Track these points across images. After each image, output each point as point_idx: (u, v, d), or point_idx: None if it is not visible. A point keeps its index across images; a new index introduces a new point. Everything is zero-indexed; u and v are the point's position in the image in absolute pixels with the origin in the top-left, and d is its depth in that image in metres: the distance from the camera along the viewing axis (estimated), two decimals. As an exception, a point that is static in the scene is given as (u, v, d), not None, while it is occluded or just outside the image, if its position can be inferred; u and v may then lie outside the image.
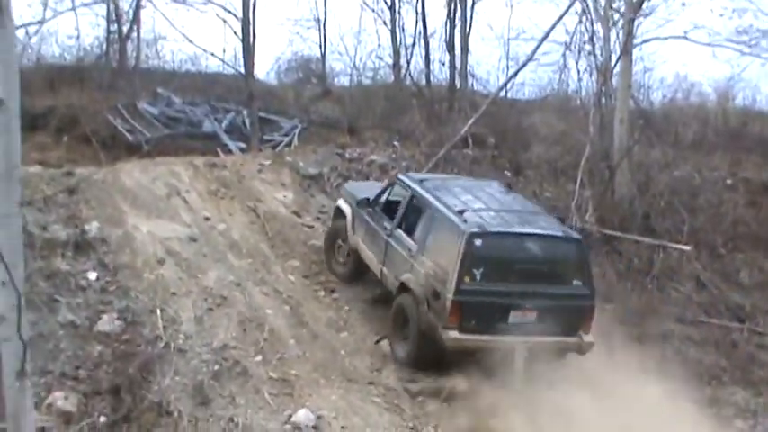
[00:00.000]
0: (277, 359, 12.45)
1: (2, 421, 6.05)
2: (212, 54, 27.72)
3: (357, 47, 29.02)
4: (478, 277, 11.96)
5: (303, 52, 29.87)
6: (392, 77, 28.23)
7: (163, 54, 29.08)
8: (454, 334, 11.91)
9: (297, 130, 23.96)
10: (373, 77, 28.91)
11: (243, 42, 24.63)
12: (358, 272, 14.64)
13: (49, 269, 13.24)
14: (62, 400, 11.04)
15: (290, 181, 17.87)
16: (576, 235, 13.11)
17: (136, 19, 28.06)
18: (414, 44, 27.82)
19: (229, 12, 25.29)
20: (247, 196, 16.78)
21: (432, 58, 27.66)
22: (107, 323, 12.52)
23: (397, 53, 27.76)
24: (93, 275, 13.45)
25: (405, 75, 27.88)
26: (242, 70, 25.07)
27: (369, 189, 15.16)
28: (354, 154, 19.55)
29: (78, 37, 27.75)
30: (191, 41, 27.45)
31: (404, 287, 12.80)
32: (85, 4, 26.24)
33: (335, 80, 29.85)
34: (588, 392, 11.53)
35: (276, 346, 12.73)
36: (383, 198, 14.34)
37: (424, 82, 27.46)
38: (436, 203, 12.94)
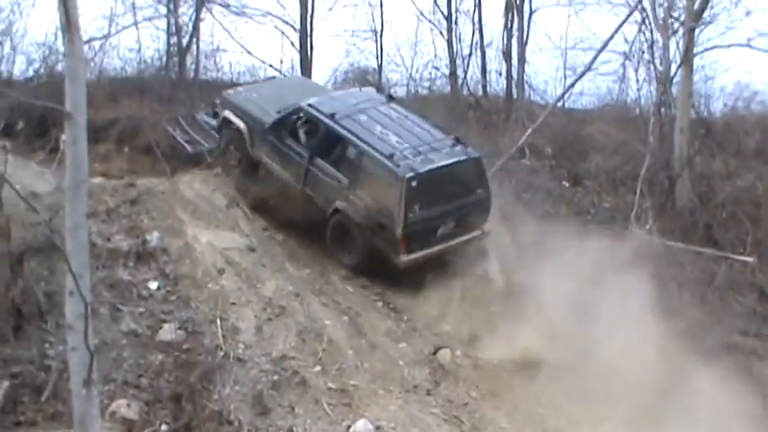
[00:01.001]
0: (336, 369, 12.49)
1: (70, 428, 6.15)
2: (270, 65, 27.82)
3: (414, 57, 28.88)
4: (417, 210, 14.45)
5: (360, 63, 29.89)
6: (449, 88, 28.16)
7: (221, 66, 29.25)
8: (405, 257, 14.51)
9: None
10: (430, 88, 28.82)
11: (300, 53, 24.77)
12: (251, 173, 16.58)
13: (112, 279, 13.43)
14: (125, 407, 11.20)
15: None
16: (474, 153, 15.46)
17: (195, 32, 28.37)
18: (470, 54, 27.71)
19: (287, 23, 25.48)
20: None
21: (489, 68, 27.52)
22: (168, 332, 12.66)
23: (453, 63, 27.67)
24: (154, 285, 13.61)
25: (461, 85, 27.77)
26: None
27: (249, 98, 17.18)
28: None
29: (139, 50, 28.09)
30: (249, 53, 27.57)
31: (339, 212, 14.99)
32: (147, 19, 26.58)
33: (393, 91, 29.85)
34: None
35: (335, 356, 12.76)
36: (290, 123, 15.98)
37: (480, 92, 27.34)
38: (363, 146, 14.96)
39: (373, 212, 14.65)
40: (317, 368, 12.41)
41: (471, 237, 15.21)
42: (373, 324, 13.80)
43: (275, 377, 12.03)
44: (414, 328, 13.93)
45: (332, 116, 15.46)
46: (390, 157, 14.50)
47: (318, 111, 15.72)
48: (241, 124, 16.56)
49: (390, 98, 17.10)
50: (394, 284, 14.79)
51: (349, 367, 12.60)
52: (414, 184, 14.23)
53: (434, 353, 13.30)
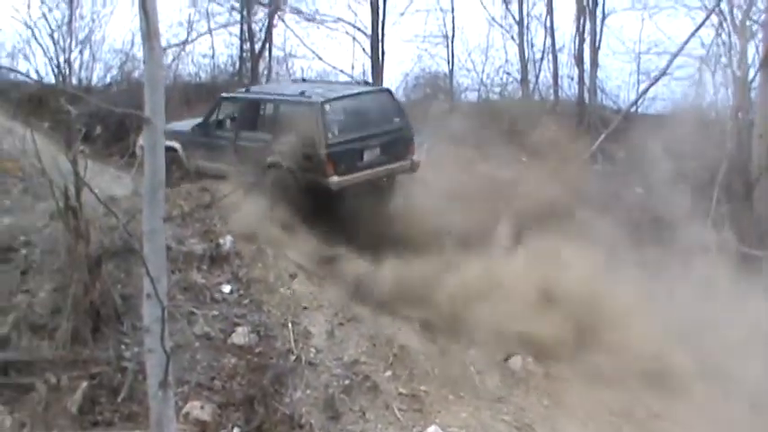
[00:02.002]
0: (406, 375, 12.49)
1: (146, 429, 6.23)
2: (341, 71, 28.02)
3: (485, 63, 28.88)
4: (336, 132, 15.44)
5: (431, 68, 29.91)
6: (520, 93, 28.06)
7: (293, 71, 29.56)
8: (335, 179, 15.11)
9: (425, 147, 23.97)
10: (501, 93, 28.76)
11: (372, 59, 24.86)
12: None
13: (186, 282, 13.59)
14: (198, 409, 11.34)
15: (419, 197, 17.84)
16: (384, 87, 17.58)
17: (268, 38, 28.68)
18: (542, 59, 27.64)
19: (359, 29, 25.62)
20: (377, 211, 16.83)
21: (560, 73, 27.42)
22: (241, 336, 12.78)
23: (525, 68, 27.60)
24: (227, 289, 13.74)
25: (533, 90, 27.69)
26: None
27: (184, 123, 17.83)
28: (484, 170, 19.41)
29: (213, 56, 28.57)
30: (320, 58, 27.84)
31: (272, 166, 15.48)
32: (222, 26, 26.99)
33: (463, 96, 29.79)
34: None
35: (405, 361, 12.76)
36: (213, 119, 17.17)
37: (552, 97, 27.20)
38: (276, 97, 16.80)
39: (299, 150, 15.35)
40: (388, 373, 12.42)
41: (400, 166, 16.24)
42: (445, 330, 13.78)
43: (346, 381, 12.08)
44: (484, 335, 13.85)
45: (246, 91, 17.70)
46: (302, 94, 15.99)
47: (234, 93, 17.91)
48: (175, 144, 17.03)
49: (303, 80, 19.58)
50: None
51: (420, 373, 12.59)
52: (327, 107, 15.50)
53: (506, 360, 13.23)
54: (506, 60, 28.36)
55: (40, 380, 11.45)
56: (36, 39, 24.87)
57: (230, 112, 17.23)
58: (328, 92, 16.28)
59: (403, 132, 16.39)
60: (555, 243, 14.58)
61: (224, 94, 17.97)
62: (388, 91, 17.32)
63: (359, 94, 16.67)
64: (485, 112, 26.40)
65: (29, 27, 24.13)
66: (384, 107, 16.50)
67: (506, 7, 28.25)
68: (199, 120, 17.54)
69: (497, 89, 28.69)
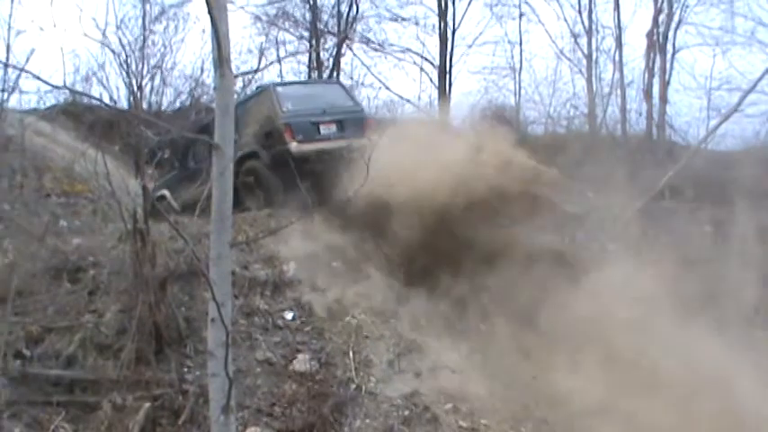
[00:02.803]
0: (467, 408, 12.37)
1: (207, 454, 6.25)
2: (408, 100, 28.18)
3: (552, 96, 28.85)
4: (290, 106, 17.18)
5: (498, 100, 29.92)
6: (587, 127, 27.91)
7: (360, 100, 29.78)
8: (294, 144, 16.62)
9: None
10: (568, 127, 28.64)
11: (438, 90, 24.92)
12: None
13: (249, 307, 13.68)
14: (258, 435, 11.38)
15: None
16: (335, 80, 19.54)
17: (336, 67, 28.95)
18: (610, 93, 27.52)
19: (426, 59, 25.71)
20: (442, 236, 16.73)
21: (629, 107, 27.25)
22: (302, 363, 12.80)
23: (592, 102, 27.48)
24: (289, 315, 13.80)
25: (600, 124, 27.52)
26: (437, 116, 25.30)
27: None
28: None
29: (282, 84, 28.91)
30: (387, 88, 28.04)
31: (243, 160, 16.69)
32: (292, 54, 27.32)
33: (529, 129, 29.73)
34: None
35: (466, 394, 12.65)
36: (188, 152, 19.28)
37: (620, 132, 26.99)
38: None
39: (261, 132, 17.18)
40: (449, 405, 12.32)
41: (356, 142, 16.39)
42: (506, 364, 13.65)
43: (406, 412, 12.00)
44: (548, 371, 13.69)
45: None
46: (258, 87, 18.46)
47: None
48: (165, 192, 19.18)
49: None
50: (527, 326, 14.51)
51: (481, 406, 12.46)
52: (279, 89, 17.63)
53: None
54: (574, 94, 28.33)
55: (104, 399, 11.58)
56: (110, 63, 25.43)
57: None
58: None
59: (357, 114, 18.14)
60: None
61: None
62: (340, 83, 20.15)
63: (310, 82, 19.61)
64: (551, 146, 26.27)
65: (104, 52, 24.64)
66: (336, 94, 18.61)
67: (575, 41, 28.24)
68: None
69: (564, 123, 28.59)
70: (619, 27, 27.69)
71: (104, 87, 26.14)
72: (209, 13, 6.01)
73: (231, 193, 6.30)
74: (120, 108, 15.50)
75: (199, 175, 17.06)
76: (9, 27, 10.13)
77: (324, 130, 17.38)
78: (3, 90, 11.52)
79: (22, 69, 9.77)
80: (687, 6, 27.42)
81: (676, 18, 27.12)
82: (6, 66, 10.54)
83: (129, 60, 21.46)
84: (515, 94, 29.55)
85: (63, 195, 20.30)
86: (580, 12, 28.19)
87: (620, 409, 11.98)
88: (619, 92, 27.27)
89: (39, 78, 6.02)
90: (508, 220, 15.39)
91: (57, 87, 21.03)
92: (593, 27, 28.02)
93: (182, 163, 19.60)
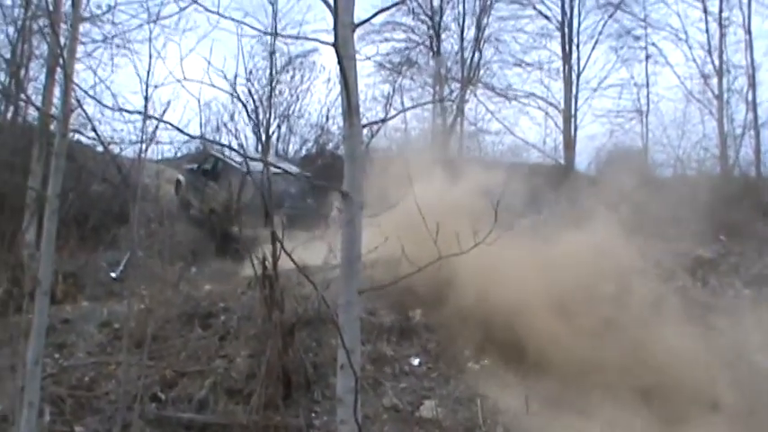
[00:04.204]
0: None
1: (336, 501, 6.25)
2: (533, 145, 28.05)
3: (681, 138, 28.22)
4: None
5: (624, 144, 29.45)
6: (718, 169, 27.20)
7: (483, 145, 29.82)
8: None
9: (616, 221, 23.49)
10: (698, 169, 27.95)
11: (564, 133, 24.71)
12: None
13: (376, 353, 13.73)
14: (385, 482, 11.36)
15: (612, 273, 17.40)
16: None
17: (460, 112, 29.06)
18: (743, 134, 26.76)
19: (551, 104, 25.54)
20: (569, 286, 16.48)
21: (763, 148, 26.43)
22: (429, 409, 12.75)
23: (724, 144, 26.77)
24: (416, 361, 13.79)
25: (733, 166, 26.78)
26: (562, 161, 25.10)
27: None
28: (681, 247, 18.80)
29: (405, 129, 29.21)
30: (512, 133, 27.96)
31: None
32: (420, 104, 27.60)
33: (658, 172, 29.14)
34: None
35: None
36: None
37: (753, 173, 26.21)
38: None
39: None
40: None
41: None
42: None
43: (534, 460, 11.82)
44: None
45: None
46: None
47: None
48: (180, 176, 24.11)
49: None
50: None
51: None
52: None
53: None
54: (704, 135, 27.63)
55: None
56: (239, 113, 26.16)
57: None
58: None
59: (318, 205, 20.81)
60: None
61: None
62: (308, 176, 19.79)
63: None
64: (681, 188, 25.65)
65: (234, 103, 25.35)
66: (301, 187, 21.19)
67: (705, 82, 27.59)
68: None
69: (694, 165, 27.91)
70: (752, 66, 27.04)
71: (234, 136, 26.77)
72: (339, 63, 6.11)
73: (360, 241, 6.35)
74: (250, 156, 15.88)
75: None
76: (147, 81, 10.49)
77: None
78: (141, 141, 11.90)
79: (160, 120, 10.07)
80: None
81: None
82: (146, 116, 10.90)
83: (257, 110, 21.99)
84: (642, 137, 29.07)
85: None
86: (710, 52, 27.64)
87: None
88: (752, 132, 26.59)
89: (177, 129, 6.22)
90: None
91: (192, 137, 21.82)
92: (724, 67, 27.39)
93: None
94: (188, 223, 22.74)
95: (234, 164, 21.12)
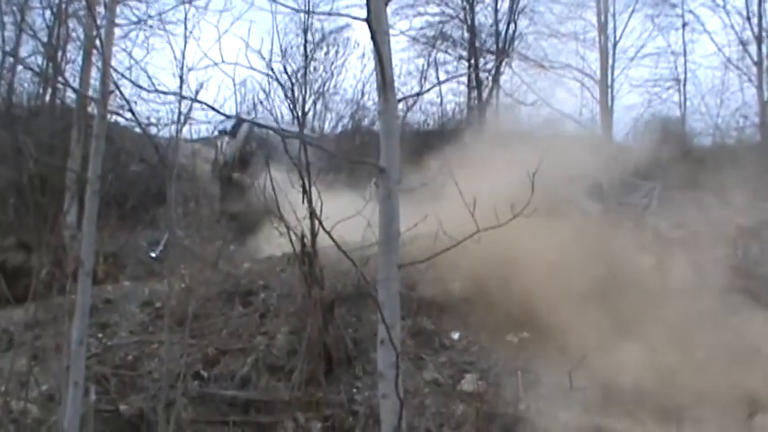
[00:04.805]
0: (642, 429, 12.02)
1: (379, 475, 6.28)
2: (569, 116, 27.82)
3: (720, 106, 27.88)
4: None
5: (662, 113, 29.15)
6: (758, 137, 26.86)
7: (519, 117, 29.63)
8: None
9: (656, 192, 23.33)
10: (737, 137, 27.62)
11: (600, 104, 24.51)
12: None
13: (416, 328, 13.75)
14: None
15: (650, 243, 17.30)
16: None
17: (495, 85, 28.91)
18: (784, 101, 26.40)
19: (587, 75, 25.32)
20: (607, 259, 16.40)
21: (804, 114, 26.07)
22: (469, 383, 12.77)
23: (763, 112, 26.42)
24: (456, 335, 13.80)
25: (773, 133, 26.48)
26: (600, 132, 24.91)
27: None
28: (721, 216, 18.60)
29: (441, 103, 29.14)
30: (548, 104, 27.73)
31: None
32: (454, 77, 27.51)
33: (696, 141, 28.84)
34: None
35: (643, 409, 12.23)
36: None
37: (794, 141, 25.89)
38: None
39: None
40: (621, 425, 12.00)
41: None
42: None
43: (576, 433, 11.79)
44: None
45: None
46: None
47: None
48: None
49: None
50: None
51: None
52: None
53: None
54: (743, 103, 27.30)
55: (278, 419, 11.87)
56: (274, 91, 26.20)
57: None
58: None
59: None
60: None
61: None
62: None
63: None
64: (720, 157, 25.38)
65: (269, 81, 25.42)
66: None
67: (744, 49, 27.23)
68: None
69: (733, 133, 27.58)
70: (792, 31, 26.65)
71: (270, 114, 26.88)
72: (372, 38, 6.09)
73: (398, 216, 6.34)
74: (286, 131, 15.87)
75: None
76: (183, 62, 10.55)
77: None
78: (176, 121, 11.99)
79: (194, 100, 10.16)
80: None
81: None
82: (182, 97, 10.97)
83: (293, 87, 22.04)
84: (680, 106, 28.77)
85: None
86: (749, 18, 27.24)
87: None
88: (793, 98, 26.25)
89: (212, 108, 6.25)
90: None
91: (227, 116, 21.89)
92: (763, 33, 26.99)
93: None
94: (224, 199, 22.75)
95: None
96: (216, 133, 24.03)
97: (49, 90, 24.14)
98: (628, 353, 12.96)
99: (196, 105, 13.62)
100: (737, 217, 18.41)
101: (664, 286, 14.33)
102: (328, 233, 6.66)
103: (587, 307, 14.03)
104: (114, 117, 17.43)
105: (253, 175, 18.52)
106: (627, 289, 14.79)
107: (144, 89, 13.31)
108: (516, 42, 29.39)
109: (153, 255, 20.11)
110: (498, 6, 29.89)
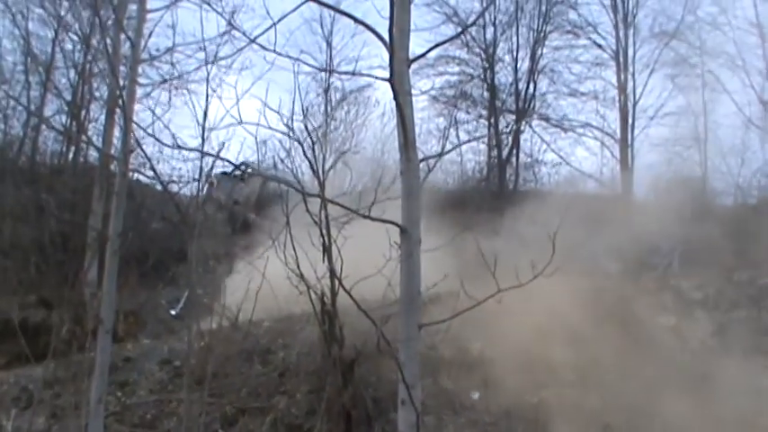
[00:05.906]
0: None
1: None
2: (590, 176, 27.83)
3: (740, 166, 27.79)
4: None
5: (683, 172, 29.08)
6: (780, 197, 26.74)
7: (540, 176, 29.66)
8: None
9: (677, 252, 23.20)
10: (759, 197, 27.48)
11: (620, 163, 24.50)
12: None
13: (436, 387, 13.63)
14: None
15: (672, 305, 17.18)
16: None
17: (515, 144, 28.96)
18: (807, 159, 26.33)
19: (607, 134, 25.33)
20: (628, 320, 16.30)
21: (827, 174, 25.97)
22: (490, 444, 12.65)
23: (785, 170, 26.35)
24: (476, 395, 13.67)
25: (795, 193, 26.34)
26: (619, 191, 24.88)
27: None
28: (743, 277, 18.48)
29: (461, 162, 29.20)
30: (568, 163, 27.78)
31: None
32: (476, 139, 27.63)
33: (717, 200, 28.72)
34: None
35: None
36: None
37: (817, 200, 25.74)
38: None
39: None
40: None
41: None
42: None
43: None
44: None
45: None
46: None
47: None
48: None
49: None
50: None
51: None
52: None
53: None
54: (764, 162, 27.19)
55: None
56: (295, 150, 26.38)
57: None
58: None
59: None
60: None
61: None
62: None
63: None
64: (742, 217, 25.26)
65: (290, 139, 25.57)
66: None
67: (764, 108, 27.19)
68: None
69: (755, 192, 27.46)
70: (815, 91, 26.62)
71: (291, 172, 27.01)
72: (395, 99, 6.14)
73: (419, 275, 6.34)
74: (308, 192, 15.88)
75: None
76: (204, 120, 10.68)
77: None
78: (199, 179, 12.09)
79: (216, 156, 10.25)
80: None
81: None
82: (203, 153, 11.08)
83: (314, 146, 22.14)
84: (701, 165, 28.67)
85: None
86: (768, 78, 27.29)
87: None
88: (814, 158, 26.15)
89: (234, 165, 6.27)
90: None
91: (250, 174, 21.97)
92: (783, 93, 27.00)
93: None
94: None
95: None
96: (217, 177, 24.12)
97: (73, 148, 24.35)
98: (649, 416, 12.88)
99: (218, 163, 13.71)
100: (760, 278, 18.26)
101: (685, 347, 14.20)
102: (349, 293, 6.66)
103: (609, 368, 13.94)
104: (136, 175, 17.55)
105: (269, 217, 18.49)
106: (649, 350, 14.70)
107: (166, 145, 13.38)
108: (536, 102, 29.52)
109: (173, 312, 20.09)
110: (518, 66, 30.04)
